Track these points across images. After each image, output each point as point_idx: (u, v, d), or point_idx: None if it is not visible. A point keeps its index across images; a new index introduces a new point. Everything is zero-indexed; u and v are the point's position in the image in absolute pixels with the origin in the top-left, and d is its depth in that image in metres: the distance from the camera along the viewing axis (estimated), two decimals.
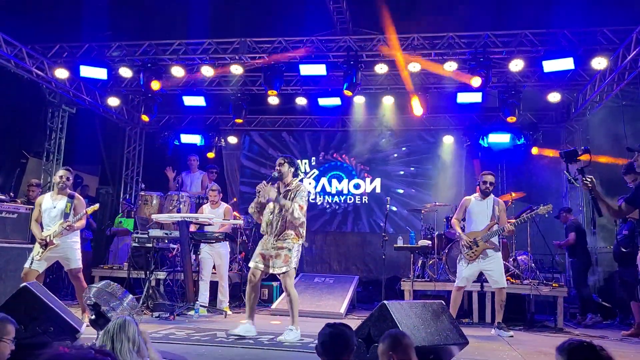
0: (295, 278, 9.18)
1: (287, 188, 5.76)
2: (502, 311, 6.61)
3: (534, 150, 10.79)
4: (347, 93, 9.43)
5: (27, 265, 6.38)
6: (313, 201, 12.18)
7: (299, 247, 5.75)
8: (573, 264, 8.50)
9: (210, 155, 12.20)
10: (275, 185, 5.84)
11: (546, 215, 6.87)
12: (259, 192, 5.70)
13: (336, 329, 2.87)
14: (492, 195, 6.85)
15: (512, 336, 6.37)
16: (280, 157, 5.94)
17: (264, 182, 5.69)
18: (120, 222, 10.62)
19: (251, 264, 5.81)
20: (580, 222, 9.68)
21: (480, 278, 7.25)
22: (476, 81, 8.84)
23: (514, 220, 6.86)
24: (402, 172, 12.08)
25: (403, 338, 2.87)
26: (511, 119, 9.93)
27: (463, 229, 6.96)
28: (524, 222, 6.99)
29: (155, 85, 9.70)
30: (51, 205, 6.43)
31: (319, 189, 12.28)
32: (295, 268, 5.68)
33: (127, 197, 12.27)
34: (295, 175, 5.92)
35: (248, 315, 5.74)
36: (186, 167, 10.46)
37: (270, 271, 5.70)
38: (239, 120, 11.21)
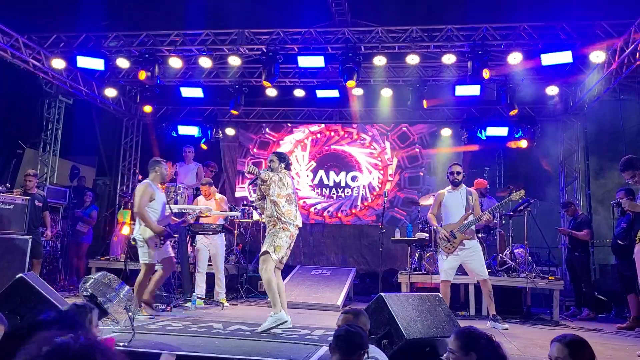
0: (292, 270, 9.33)
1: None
2: (493, 301, 6.61)
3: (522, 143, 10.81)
4: (350, 84, 9.30)
5: (152, 259, 6.45)
6: (311, 193, 12.19)
7: (279, 232, 5.66)
8: (579, 259, 8.48)
9: (204, 146, 12.15)
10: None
11: (519, 201, 6.91)
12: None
13: (353, 328, 2.94)
14: (463, 186, 6.88)
15: (507, 329, 6.39)
16: (272, 153, 6.07)
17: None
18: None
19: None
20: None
21: None
22: (486, 73, 8.81)
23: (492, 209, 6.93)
24: (399, 165, 12.06)
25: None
26: (513, 112, 9.95)
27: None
28: (501, 208, 7.05)
29: (142, 75, 9.60)
30: (162, 197, 6.60)
31: (316, 181, 12.28)
32: (273, 251, 5.60)
33: (124, 189, 12.26)
34: (287, 169, 5.97)
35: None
36: (182, 159, 10.45)
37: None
38: (235, 112, 11.16)
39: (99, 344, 1.35)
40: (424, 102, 10.30)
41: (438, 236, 6.81)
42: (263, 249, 5.69)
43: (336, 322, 3.46)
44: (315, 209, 12.08)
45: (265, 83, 9.51)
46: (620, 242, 6.90)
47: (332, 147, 12.42)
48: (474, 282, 7.77)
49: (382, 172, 12.09)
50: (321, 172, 12.29)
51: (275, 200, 5.67)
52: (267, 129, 12.70)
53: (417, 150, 12.04)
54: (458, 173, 6.85)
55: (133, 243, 6.76)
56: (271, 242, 5.65)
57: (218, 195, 8.33)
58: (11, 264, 6.80)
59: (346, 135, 12.42)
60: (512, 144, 10.92)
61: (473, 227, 6.73)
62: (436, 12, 9.50)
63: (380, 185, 11.95)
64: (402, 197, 11.88)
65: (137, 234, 6.50)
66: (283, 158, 5.97)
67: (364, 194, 12.05)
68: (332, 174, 12.26)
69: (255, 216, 9.29)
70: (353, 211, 12.00)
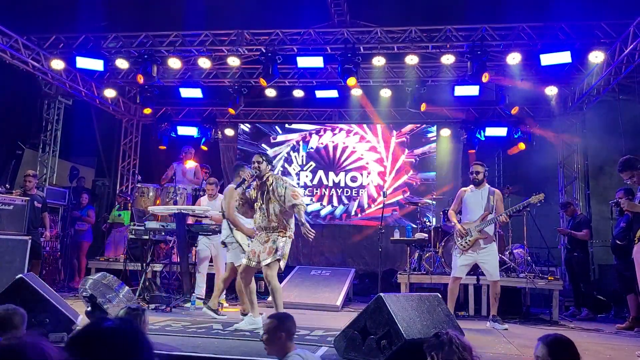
0: (291, 270, 9.32)
1: (263, 182, 5.67)
2: (496, 304, 6.63)
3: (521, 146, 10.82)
4: (351, 81, 9.24)
5: (246, 261, 6.43)
6: (310, 194, 12.19)
7: (286, 240, 5.64)
8: (578, 259, 8.48)
9: (204, 148, 12.17)
10: (255, 183, 5.80)
11: (538, 204, 6.87)
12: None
13: None
14: (486, 186, 6.83)
15: (506, 329, 6.40)
16: (257, 154, 5.82)
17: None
18: (119, 216, 10.53)
19: (244, 261, 5.76)
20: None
21: (477, 271, 7.29)
22: (485, 77, 8.84)
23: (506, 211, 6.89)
24: (398, 165, 12.08)
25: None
26: (514, 111, 9.97)
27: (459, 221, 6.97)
28: (517, 211, 7.01)
29: (140, 79, 9.64)
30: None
31: (315, 181, 12.28)
32: (279, 260, 5.55)
33: (124, 189, 12.26)
34: (271, 171, 5.84)
35: (250, 309, 5.86)
36: (181, 159, 10.46)
37: (260, 266, 5.63)
38: (232, 111, 11.10)
39: (34, 344, 1.38)
40: (423, 105, 10.30)
41: (454, 233, 6.81)
42: (267, 260, 5.50)
43: (262, 325, 3.51)
44: (313, 218, 12.07)
45: (261, 81, 9.46)
46: (619, 242, 6.90)
47: (330, 140, 12.43)
48: (473, 282, 7.79)
49: (384, 165, 12.11)
50: (320, 173, 12.30)
51: (287, 210, 5.56)
52: (262, 144, 12.71)
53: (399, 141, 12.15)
54: (477, 173, 6.82)
55: (222, 246, 6.81)
56: (275, 252, 5.49)
57: (221, 197, 8.32)
58: (11, 264, 6.80)
59: (345, 129, 12.46)
60: (514, 150, 10.94)
61: (491, 229, 6.67)
62: (435, 13, 9.50)
63: (383, 182, 11.96)
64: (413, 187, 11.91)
65: (227, 237, 6.54)
66: (270, 159, 5.84)
67: (370, 197, 12.06)
68: (331, 174, 12.26)
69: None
70: (360, 216, 12.02)
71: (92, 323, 1.60)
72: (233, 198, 6.35)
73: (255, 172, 5.70)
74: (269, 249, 5.53)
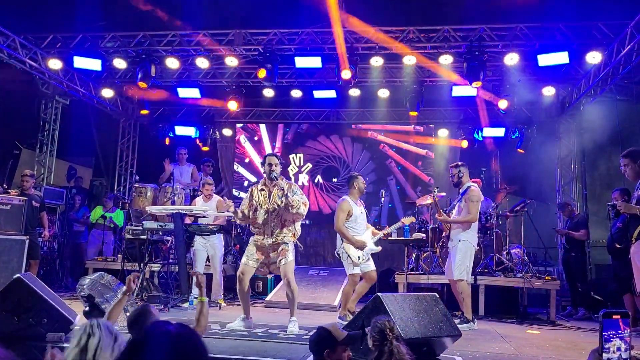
0: None
1: (280, 187, 5.70)
2: (463, 304, 6.49)
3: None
4: (345, 74, 9.22)
5: (357, 270, 6.48)
6: (308, 193, 12.19)
7: (294, 245, 5.82)
8: (575, 259, 8.50)
9: (205, 148, 12.17)
10: (261, 186, 5.86)
11: (409, 225, 6.97)
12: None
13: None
14: (465, 185, 6.65)
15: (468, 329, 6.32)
16: (273, 156, 5.89)
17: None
18: (110, 218, 10.36)
19: (250, 263, 5.73)
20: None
21: (474, 270, 7.29)
22: (477, 84, 8.88)
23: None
24: (397, 165, 12.09)
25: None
26: (502, 104, 9.98)
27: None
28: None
29: (142, 85, 9.64)
30: (359, 211, 6.66)
31: (315, 181, 12.28)
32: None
33: (121, 190, 12.23)
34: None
35: (245, 312, 5.87)
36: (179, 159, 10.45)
37: (270, 268, 5.81)
38: (233, 105, 10.99)
39: None
40: (414, 112, 10.31)
41: None
42: (288, 259, 5.69)
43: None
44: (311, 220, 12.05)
45: (259, 73, 9.39)
46: (616, 242, 6.89)
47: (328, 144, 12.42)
48: (470, 281, 7.79)
49: (382, 165, 12.11)
50: (318, 175, 12.30)
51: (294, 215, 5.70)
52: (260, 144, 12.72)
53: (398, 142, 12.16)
54: (452, 175, 6.74)
55: (337, 257, 6.84)
56: (289, 253, 5.70)
57: (217, 198, 8.31)
58: (8, 264, 6.79)
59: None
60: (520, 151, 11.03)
61: (454, 226, 6.59)
62: (433, 13, 9.50)
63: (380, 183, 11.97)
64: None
65: (340, 249, 6.64)
66: (282, 163, 5.92)
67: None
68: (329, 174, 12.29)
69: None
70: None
71: (153, 326, 1.63)
72: (343, 212, 6.42)
73: (272, 175, 5.72)
74: (283, 251, 5.69)
